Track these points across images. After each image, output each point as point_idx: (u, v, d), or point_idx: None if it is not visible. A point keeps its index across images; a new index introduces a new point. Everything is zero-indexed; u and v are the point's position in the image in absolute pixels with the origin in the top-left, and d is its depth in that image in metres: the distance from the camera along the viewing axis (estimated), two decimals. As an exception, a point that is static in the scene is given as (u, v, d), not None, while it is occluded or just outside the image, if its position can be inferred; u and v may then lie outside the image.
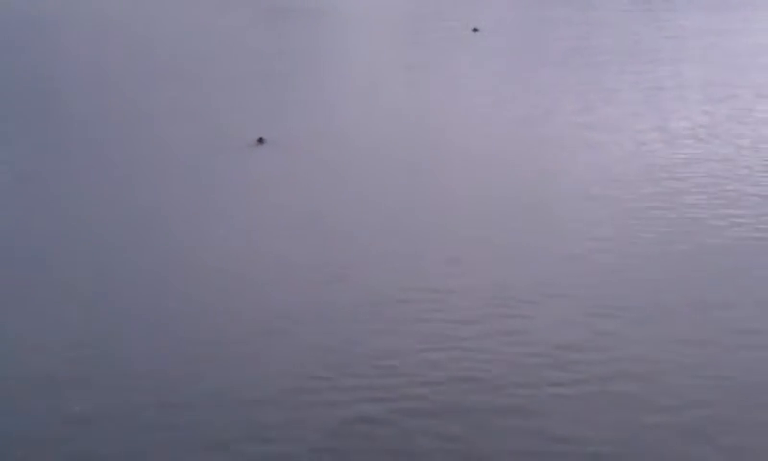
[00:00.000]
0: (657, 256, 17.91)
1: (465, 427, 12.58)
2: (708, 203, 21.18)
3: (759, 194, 21.84)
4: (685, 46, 49.62)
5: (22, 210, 21.64)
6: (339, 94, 35.79)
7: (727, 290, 16.53)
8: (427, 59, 45.39)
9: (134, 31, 58.25)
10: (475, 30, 57.12)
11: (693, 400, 13.10)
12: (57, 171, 25.03)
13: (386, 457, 11.95)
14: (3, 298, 16.84)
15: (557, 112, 31.13)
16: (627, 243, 18.67)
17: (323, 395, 13.44)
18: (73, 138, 28.63)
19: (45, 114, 32.15)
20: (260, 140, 27.33)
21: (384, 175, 23.78)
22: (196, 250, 18.77)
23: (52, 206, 21.84)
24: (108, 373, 14.02)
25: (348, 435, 12.43)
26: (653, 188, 22.18)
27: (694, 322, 15.22)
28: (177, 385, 13.77)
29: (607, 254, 17.98)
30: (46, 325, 15.60)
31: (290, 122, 30.16)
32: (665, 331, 14.84)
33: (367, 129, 29.24)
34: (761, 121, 29.59)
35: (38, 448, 12.26)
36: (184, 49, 49.82)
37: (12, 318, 15.94)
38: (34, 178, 24.29)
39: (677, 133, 27.82)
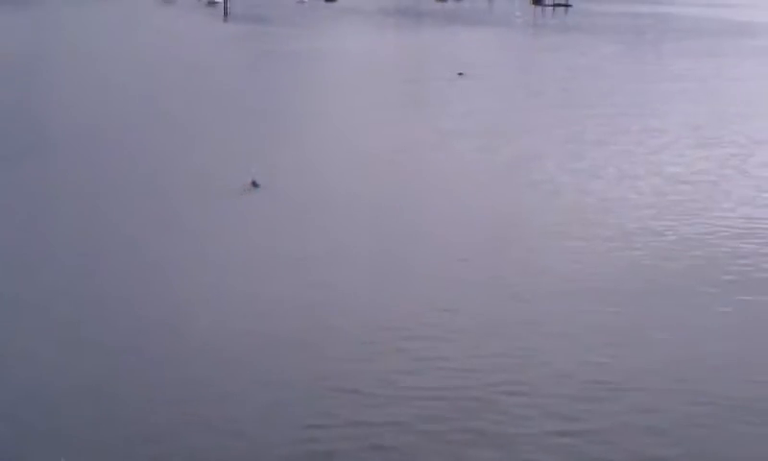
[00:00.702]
0: (633, 297, 17.64)
1: None
2: (683, 243, 21.20)
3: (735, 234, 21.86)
4: (671, 91, 49.69)
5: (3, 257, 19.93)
6: (327, 136, 35.03)
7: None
8: (413, 101, 45.39)
9: (120, 75, 57.10)
10: (460, 74, 57.07)
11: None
12: (37, 219, 23.02)
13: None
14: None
15: (540, 157, 30.57)
16: (606, 288, 18.25)
17: (306, 441, 12.55)
18: (56, 189, 26.41)
19: (25, 155, 30.31)
20: (254, 183, 25.71)
21: (372, 219, 23.20)
22: (187, 297, 17.17)
23: (29, 259, 19.95)
24: (99, 416, 13.08)
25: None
26: (635, 230, 22.00)
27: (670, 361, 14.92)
28: (165, 423, 13.01)
29: (588, 295, 17.67)
30: (35, 373, 14.24)
31: (282, 164, 28.98)
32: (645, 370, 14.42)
33: (355, 171, 28.54)
34: (749, 166, 29.35)
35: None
36: (175, 91, 48.77)
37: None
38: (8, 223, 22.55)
39: (660, 177, 27.45)
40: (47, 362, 14.73)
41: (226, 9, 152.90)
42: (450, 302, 17.31)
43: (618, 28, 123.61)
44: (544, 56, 77.36)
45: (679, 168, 29.03)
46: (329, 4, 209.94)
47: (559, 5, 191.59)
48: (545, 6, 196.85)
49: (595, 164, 29.41)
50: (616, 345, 15.63)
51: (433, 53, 78.05)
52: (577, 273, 18.94)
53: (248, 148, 31.95)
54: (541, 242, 21.07)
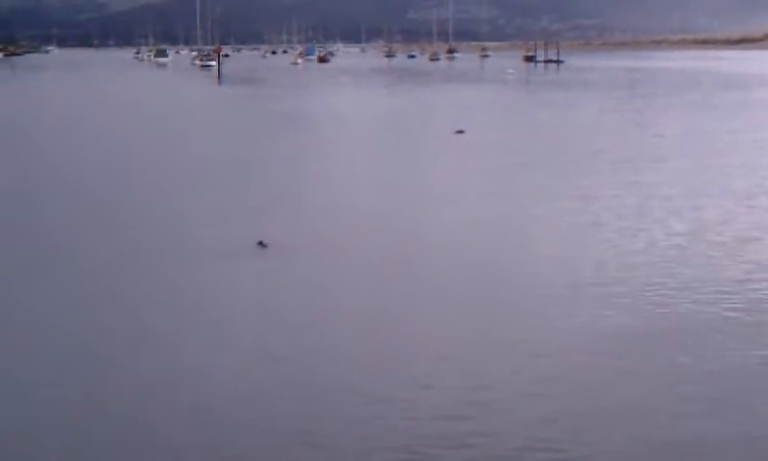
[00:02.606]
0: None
1: None
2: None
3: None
4: (670, 146, 49.34)
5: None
6: (329, 196, 34.54)
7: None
8: (414, 159, 45.11)
9: (119, 140, 56.99)
10: (459, 132, 57.25)
11: None
12: (30, 283, 22.38)
13: None
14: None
15: (550, 217, 29.77)
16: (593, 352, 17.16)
17: None
18: (47, 248, 25.96)
19: (12, 221, 29.82)
20: (260, 244, 25.23)
21: (376, 278, 22.53)
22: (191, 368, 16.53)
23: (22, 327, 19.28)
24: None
25: None
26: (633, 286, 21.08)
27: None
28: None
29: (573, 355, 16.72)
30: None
31: (287, 225, 28.52)
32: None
33: (360, 232, 28.07)
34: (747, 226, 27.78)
35: None
36: (174, 154, 48.58)
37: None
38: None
39: (661, 236, 26.35)
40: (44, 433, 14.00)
41: (219, 71, 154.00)
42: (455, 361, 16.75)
43: (611, 83, 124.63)
44: (541, 112, 77.63)
45: (683, 224, 28.26)
46: (322, 65, 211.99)
47: (551, 61, 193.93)
48: (537, 62, 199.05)
49: (600, 221, 28.68)
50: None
51: (429, 111, 78.33)
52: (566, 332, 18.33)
53: (251, 209, 31.59)
54: (542, 299, 20.45)
